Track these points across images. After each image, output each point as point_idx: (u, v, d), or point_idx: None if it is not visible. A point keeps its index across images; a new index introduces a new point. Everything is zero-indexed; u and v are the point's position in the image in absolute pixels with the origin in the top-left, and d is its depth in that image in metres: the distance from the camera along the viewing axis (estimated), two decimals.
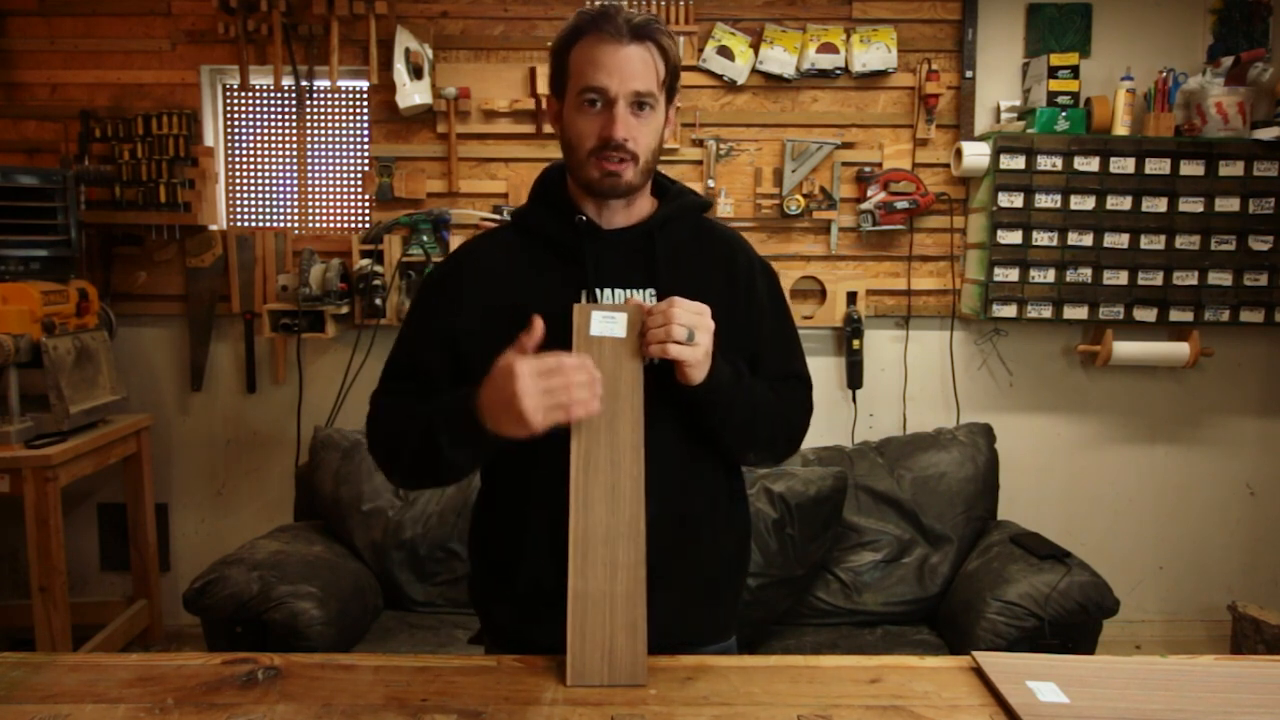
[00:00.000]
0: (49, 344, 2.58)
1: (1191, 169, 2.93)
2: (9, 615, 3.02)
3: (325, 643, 2.26)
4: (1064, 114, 2.93)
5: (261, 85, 3.14)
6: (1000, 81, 3.12)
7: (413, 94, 2.97)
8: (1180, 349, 3.06)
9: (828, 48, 3.04)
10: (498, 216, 2.97)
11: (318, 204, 3.21)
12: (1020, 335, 3.20)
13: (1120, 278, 2.97)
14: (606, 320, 1.20)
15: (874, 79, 3.08)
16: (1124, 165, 2.92)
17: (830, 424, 3.18)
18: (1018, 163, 2.93)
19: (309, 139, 3.17)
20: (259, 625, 2.27)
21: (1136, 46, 3.09)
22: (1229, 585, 3.30)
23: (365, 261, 3.01)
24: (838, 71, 3.06)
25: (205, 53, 3.07)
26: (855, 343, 3.12)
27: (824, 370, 3.17)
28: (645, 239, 1.30)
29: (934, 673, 1.18)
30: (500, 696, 1.10)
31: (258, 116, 3.19)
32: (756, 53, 3.05)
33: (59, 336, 2.64)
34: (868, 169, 3.08)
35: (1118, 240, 2.95)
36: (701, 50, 3.05)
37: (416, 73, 2.98)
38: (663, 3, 3.00)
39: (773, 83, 3.08)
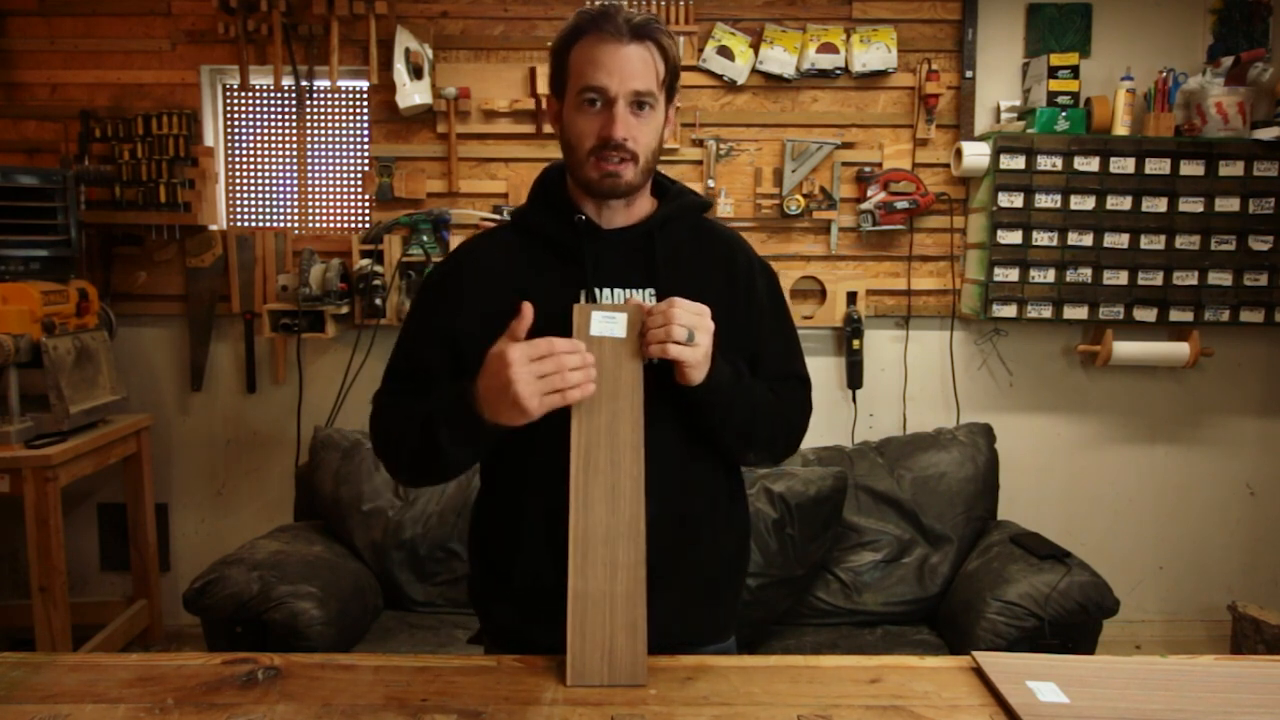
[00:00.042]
0: (49, 344, 2.58)
1: (1191, 169, 2.93)
2: (9, 615, 3.02)
3: (325, 643, 2.26)
4: (1064, 114, 2.93)
5: (261, 85, 3.14)
6: (1000, 81, 3.12)
7: (413, 94, 2.97)
8: (1180, 349, 3.06)
9: (828, 48, 3.04)
10: (498, 216, 2.97)
11: (318, 204, 3.21)
12: (1020, 335, 3.20)
13: (1120, 278, 2.97)
14: (606, 320, 1.20)
15: (874, 79, 3.08)
16: (1124, 165, 2.92)
17: (830, 424, 3.18)
18: (1018, 163, 2.93)
19: (309, 139, 3.17)
20: (259, 625, 2.27)
21: (1136, 46, 3.09)
22: (1229, 585, 3.30)
23: (365, 261, 3.01)
24: (838, 71, 3.06)
25: (205, 53, 3.07)
26: (855, 343, 3.12)
27: (824, 370, 3.17)
28: (645, 239, 1.30)
29: (934, 673, 1.18)
30: (500, 696, 1.09)
31: (258, 116, 3.19)
32: (756, 53, 3.05)
33: (59, 336, 2.64)
34: (868, 169, 3.08)
35: (1118, 240, 2.95)
36: (701, 50, 3.05)
37: (416, 73, 2.98)
38: (663, 3, 3.00)
39: (773, 83, 3.08)
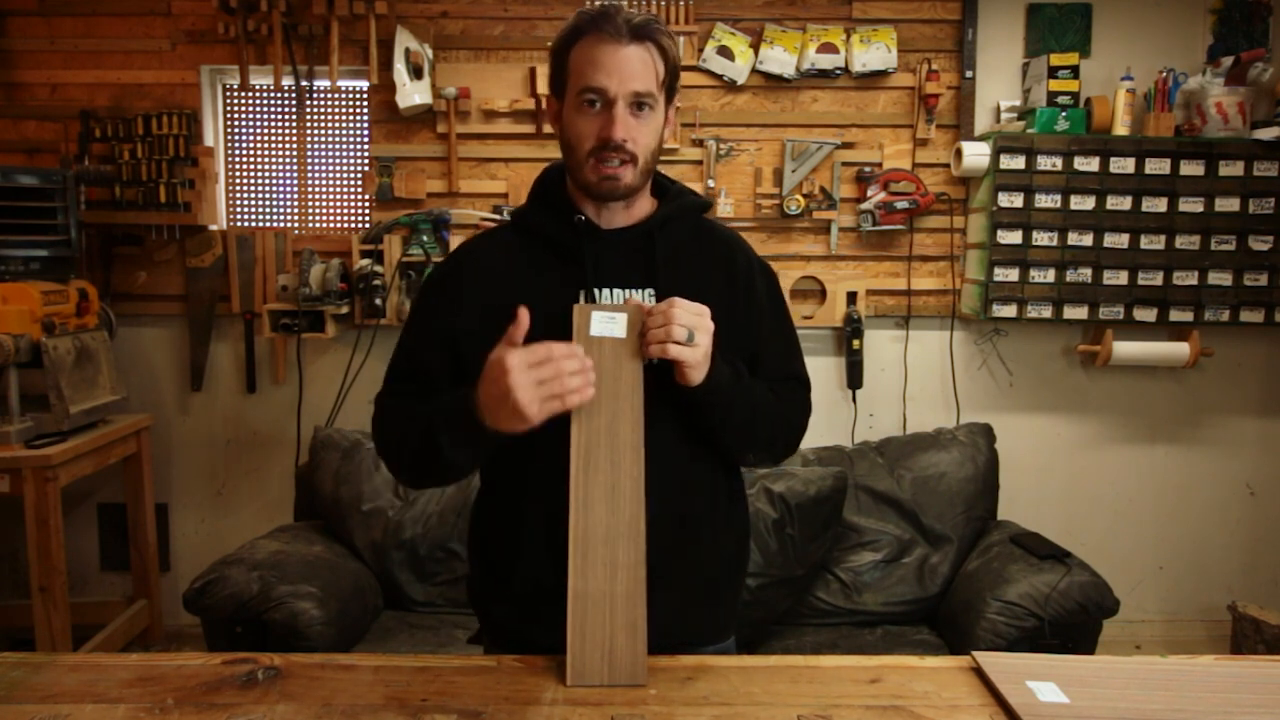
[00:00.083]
0: (49, 344, 2.58)
1: (1191, 169, 2.93)
2: (9, 615, 3.02)
3: (325, 643, 2.26)
4: (1064, 114, 2.93)
5: (261, 85, 3.14)
6: (1000, 81, 3.12)
7: (413, 94, 2.97)
8: (1180, 349, 3.06)
9: (828, 48, 3.04)
10: (498, 216, 2.97)
11: (318, 204, 3.21)
12: (1020, 335, 3.20)
13: (1120, 278, 2.97)
14: (606, 320, 1.20)
15: (874, 79, 3.08)
16: (1124, 165, 2.92)
17: (830, 424, 3.18)
18: (1018, 163, 2.93)
19: (309, 139, 3.18)
20: (259, 625, 2.27)
21: (1136, 46, 3.09)
22: (1229, 585, 3.30)
23: (365, 261, 3.01)
24: (838, 71, 3.06)
25: (205, 53, 3.07)
26: (855, 343, 3.12)
27: (824, 370, 3.17)
28: (645, 239, 1.30)
29: (934, 673, 1.18)
30: (500, 696, 1.10)
31: (258, 116, 3.19)
32: (756, 53, 3.05)
33: (59, 336, 2.64)
34: (868, 169, 3.08)
35: (1118, 240, 2.95)
36: (701, 50, 3.05)
37: (416, 73, 2.98)
38: (663, 3, 3.00)
39: (773, 83, 3.08)
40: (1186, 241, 2.96)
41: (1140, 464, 3.27)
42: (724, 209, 3.07)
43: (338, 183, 3.20)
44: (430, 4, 3.05)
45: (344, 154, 3.19)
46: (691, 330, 1.16)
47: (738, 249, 1.39)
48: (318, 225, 3.21)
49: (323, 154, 3.19)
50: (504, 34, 3.07)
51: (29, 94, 3.07)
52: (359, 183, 3.18)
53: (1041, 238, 2.96)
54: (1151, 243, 2.96)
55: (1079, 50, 3.04)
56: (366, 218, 3.15)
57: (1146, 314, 2.99)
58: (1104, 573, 2.42)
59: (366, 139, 3.14)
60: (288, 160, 3.19)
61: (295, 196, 3.20)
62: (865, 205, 3.05)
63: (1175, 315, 2.99)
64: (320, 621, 2.27)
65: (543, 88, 2.98)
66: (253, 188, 3.21)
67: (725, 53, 3.03)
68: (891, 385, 3.21)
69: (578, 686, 1.12)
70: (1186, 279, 2.98)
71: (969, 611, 2.43)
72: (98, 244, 3.09)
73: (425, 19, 3.05)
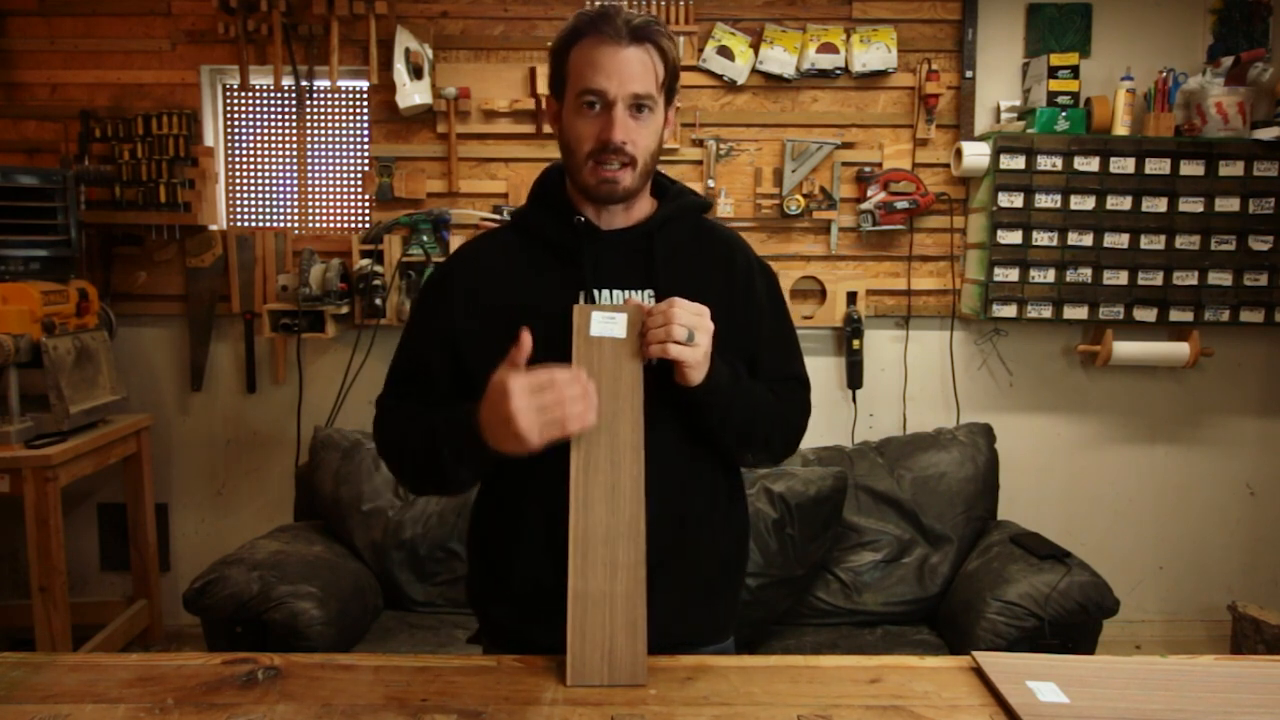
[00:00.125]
0: (49, 344, 2.58)
1: (1191, 169, 2.93)
2: (9, 615, 3.02)
3: (325, 643, 2.26)
4: (1064, 114, 2.93)
5: (261, 85, 3.14)
6: (1000, 81, 3.12)
7: (413, 94, 2.97)
8: (1180, 349, 3.06)
9: (828, 48, 3.04)
10: (498, 216, 2.97)
11: (318, 204, 3.21)
12: (1020, 335, 3.20)
13: (1120, 278, 2.97)
14: (606, 321, 1.20)
15: (874, 79, 3.08)
16: (1124, 165, 2.92)
17: (830, 424, 3.18)
18: (1018, 163, 2.93)
19: (309, 139, 3.18)
20: (259, 625, 2.27)
21: (1136, 46, 3.09)
22: (1229, 585, 3.30)
23: (365, 261, 3.01)
24: (838, 71, 3.06)
25: (205, 53, 3.07)
26: (855, 343, 3.12)
27: (824, 370, 3.17)
28: (644, 240, 1.30)
29: (934, 673, 1.18)
30: (500, 696, 1.10)
31: (258, 116, 3.19)
32: (756, 53, 3.05)
33: (59, 336, 2.64)
34: (868, 169, 3.08)
35: (1118, 240, 2.95)
36: (701, 50, 3.05)
37: (416, 73, 2.98)
38: (663, 3, 3.00)
39: (773, 83, 3.08)
40: (1186, 241, 2.96)
41: (1140, 464, 3.27)
42: (724, 209, 3.07)
43: (338, 183, 3.20)
44: (430, 4, 3.05)
45: (344, 154, 3.19)
46: (691, 330, 1.16)
47: (737, 249, 1.39)
48: (318, 225, 3.21)
49: (323, 154, 3.19)
50: (504, 34, 3.07)
51: (29, 94, 3.08)
52: (359, 183, 3.18)
53: (1041, 238, 2.96)
54: (1151, 243, 2.96)
55: (1079, 50, 3.04)
56: (366, 218, 3.15)
57: (1146, 314, 2.99)
58: (1104, 573, 2.42)
59: (366, 139, 3.14)
60: (288, 160, 3.19)
61: (295, 196, 3.20)
62: (865, 205, 3.05)
63: (1175, 315, 2.99)
64: (320, 621, 2.27)
65: (543, 88, 2.98)
66: (253, 188, 3.21)
67: (725, 53, 3.03)
68: (891, 385, 3.21)
69: (578, 686, 1.12)
70: (1186, 279, 2.98)
71: (969, 611, 2.43)
72: (98, 244, 3.09)
73: (425, 19, 3.06)
